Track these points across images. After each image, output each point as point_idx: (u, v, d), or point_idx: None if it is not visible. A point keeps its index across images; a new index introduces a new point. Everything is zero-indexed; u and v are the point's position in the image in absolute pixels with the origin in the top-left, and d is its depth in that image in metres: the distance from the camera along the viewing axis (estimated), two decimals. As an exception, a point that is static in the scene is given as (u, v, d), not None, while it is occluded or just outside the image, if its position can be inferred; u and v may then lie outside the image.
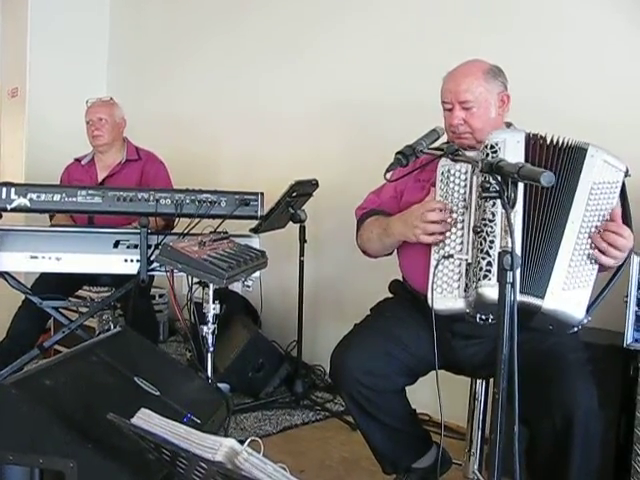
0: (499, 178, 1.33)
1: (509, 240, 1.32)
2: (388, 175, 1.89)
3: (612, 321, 2.39)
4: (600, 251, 1.78)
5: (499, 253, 1.34)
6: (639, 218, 2.17)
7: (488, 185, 1.35)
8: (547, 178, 1.24)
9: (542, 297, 1.78)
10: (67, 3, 4.97)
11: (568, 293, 1.78)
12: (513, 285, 1.31)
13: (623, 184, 1.85)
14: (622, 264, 1.87)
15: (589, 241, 1.80)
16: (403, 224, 2.01)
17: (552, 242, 1.80)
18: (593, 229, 1.80)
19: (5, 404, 1.60)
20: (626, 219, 1.85)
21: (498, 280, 1.34)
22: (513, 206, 1.31)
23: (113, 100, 3.58)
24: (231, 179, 4.06)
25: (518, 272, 1.35)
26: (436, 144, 1.98)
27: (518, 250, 1.40)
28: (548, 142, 1.85)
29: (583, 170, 1.82)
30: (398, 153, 1.84)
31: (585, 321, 1.82)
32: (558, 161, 1.83)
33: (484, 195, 1.35)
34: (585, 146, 1.84)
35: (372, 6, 3.54)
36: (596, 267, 1.81)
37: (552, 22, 2.82)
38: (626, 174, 1.85)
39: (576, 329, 1.89)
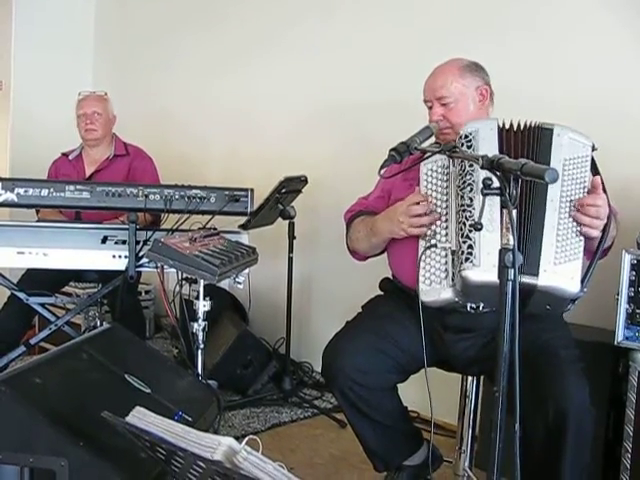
0: (500, 175, 1.32)
1: (510, 237, 1.31)
2: (382, 172, 1.89)
3: (602, 318, 2.40)
4: (585, 225, 1.81)
5: (500, 250, 1.33)
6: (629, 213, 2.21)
7: (489, 182, 1.34)
8: (551, 175, 1.23)
9: (536, 275, 1.78)
10: (52, -4, 4.92)
11: (560, 267, 1.79)
12: (514, 282, 1.30)
13: (592, 159, 1.89)
14: (604, 232, 1.87)
15: (571, 214, 1.82)
16: (389, 221, 2.03)
17: (535, 221, 1.81)
18: (573, 202, 1.82)
19: (-6, 402, 1.58)
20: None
21: (499, 277, 1.33)
22: (514, 203, 1.30)
23: (107, 95, 3.53)
24: (219, 176, 4.05)
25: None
26: (427, 142, 1.99)
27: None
28: (521, 128, 1.90)
29: (552, 149, 1.86)
30: (392, 150, 1.84)
31: (581, 294, 1.83)
32: (528, 144, 1.87)
33: (485, 192, 1.34)
34: (550, 126, 1.89)
35: (360, 6, 3.53)
36: (582, 238, 1.83)
37: (537, 21, 2.82)
38: (593, 148, 1.89)
39: (572, 306, 1.90)
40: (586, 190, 1.84)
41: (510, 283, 1.30)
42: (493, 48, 2.78)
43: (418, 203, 1.94)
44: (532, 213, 1.82)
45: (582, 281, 1.82)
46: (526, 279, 1.76)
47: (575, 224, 1.82)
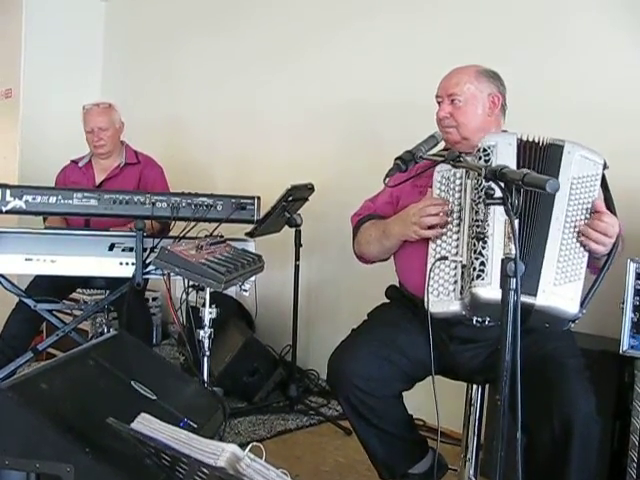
0: (503, 185, 1.33)
1: (512, 247, 1.32)
2: (387, 181, 1.89)
3: (607, 327, 2.40)
4: (591, 240, 1.79)
5: (502, 260, 1.34)
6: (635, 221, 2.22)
7: (492, 192, 1.35)
8: (552, 186, 1.24)
9: (534, 295, 1.77)
10: (62, 4, 4.96)
11: (560, 288, 1.77)
12: (516, 292, 1.30)
13: (603, 176, 1.88)
14: (610, 253, 1.85)
15: (575, 235, 1.81)
16: (402, 223, 2.03)
17: (538, 240, 1.80)
18: (578, 223, 1.81)
19: (1, 408, 1.59)
20: (610, 209, 1.87)
21: (501, 287, 1.34)
22: (517, 213, 1.31)
23: (111, 105, 3.50)
24: (226, 183, 4.06)
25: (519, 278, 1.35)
26: (434, 150, 1.99)
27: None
28: (537, 143, 1.88)
29: (561, 167, 1.84)
30: (397, 159, 1.84)
31: (580, 315, 1.82)
32: (540, 160, 1.86)
33: (488, 202, 1.35)
34: (561, 143, 1.87)
35: (368, 10, 3.54)
36: (585, 260, 1.81)
37: (549, 25, 2.83)
38: (604, 167, 1.87)
39: (572, 324, 1.89)
40: (593, 211, 1.82)
41: (512, 292, 1.30)
42: (506, 53, 2.79)
43: (432, 205, 1.93)
44: (535, 229, 1.80)
45: (582, 302, 1.81)
46: (524, 298, 1.74)
47: (578, 244, 1.80)
